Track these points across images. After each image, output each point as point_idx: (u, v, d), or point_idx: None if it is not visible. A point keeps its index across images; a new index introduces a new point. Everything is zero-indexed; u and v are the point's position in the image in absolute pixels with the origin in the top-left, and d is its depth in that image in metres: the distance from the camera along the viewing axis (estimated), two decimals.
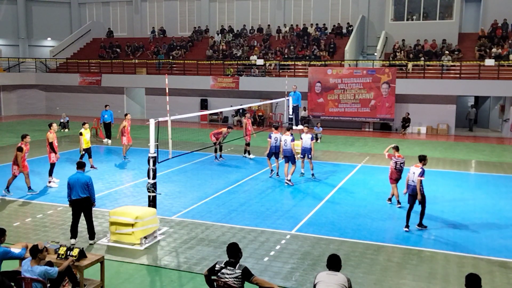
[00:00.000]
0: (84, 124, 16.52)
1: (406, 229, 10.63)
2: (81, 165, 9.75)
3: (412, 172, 10.60)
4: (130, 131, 18.41)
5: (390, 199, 12.80)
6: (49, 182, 14.42)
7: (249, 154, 18.91)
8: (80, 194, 9.44)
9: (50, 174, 14.47)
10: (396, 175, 12.34)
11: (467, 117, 28.07)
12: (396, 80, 26.27)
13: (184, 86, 30.46)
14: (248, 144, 18.90)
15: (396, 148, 12.44)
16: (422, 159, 10.75)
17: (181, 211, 11.97)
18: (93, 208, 9.85)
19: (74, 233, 9.72)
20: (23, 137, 13.51)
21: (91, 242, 9.76)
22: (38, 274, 6.47)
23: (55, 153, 14.34)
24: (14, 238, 9.89)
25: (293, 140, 14.57)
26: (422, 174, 10.38)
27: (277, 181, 15.23)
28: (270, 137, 15.47)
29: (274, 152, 15.51)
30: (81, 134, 16.08)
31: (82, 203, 9.52)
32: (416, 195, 10.44)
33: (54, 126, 14.72)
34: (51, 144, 14.25)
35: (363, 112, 27.15)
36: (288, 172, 14.66)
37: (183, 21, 38.10)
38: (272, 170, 15.79)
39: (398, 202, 12.44)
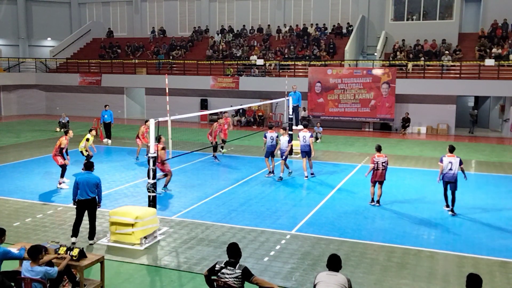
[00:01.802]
0: (91, 130, 16.82)
1: (447, 208, 12.02)
2: (89, 166, 9.69)
3: (449, 161, 11.77)
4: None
5: (378, 201, 12.50)
6: (60, 183, 14.20)
7: (222, 148, 19.20)
8: (90, 194, 9.41)
9: (62, 175, 14.25)
10: (380, 176, 12.20)
11: (471, 119, 27.55)
12: (396, 80, 26.28)
13: (184, 86, 30.45)
14: (222, 142, 19.01)
15: (378, 148, 12.47)
16: (454, 149, 12.07)
17: (181, 211, 11.97)
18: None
19: (75, 232, 9.70)
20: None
21: (91, 242, 9.73)
22: (38, 274, 6.47)
23: (64, 159, 14.22)
24: (14, 238, 9.89)
25: (311, 136, 15.30)
26: (462, 162, 11.87)
27: (276, 181, 15.23)
28: (265, 137, 15.68)
29: (272, 151, 15.71)
30: (87, 140, 16.36)
31: (89, 203, 9.47)
32: (455, 182, 11.77)
33: (71, 133, 14.75)
34: (61, 149, 14.11)
35: (363, 112, 27.16)
36: (308, 167, 15.50)
37: (183, 21, 38.10)
38: (270, 172, 15.84)
39: (378, 202, 12.51)
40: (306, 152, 15.35)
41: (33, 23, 40.33)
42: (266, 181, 15.18)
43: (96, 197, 9.58)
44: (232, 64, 31.16)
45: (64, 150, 14.30)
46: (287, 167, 15.90)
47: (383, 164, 12.18)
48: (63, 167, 14.17)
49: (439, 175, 12.00)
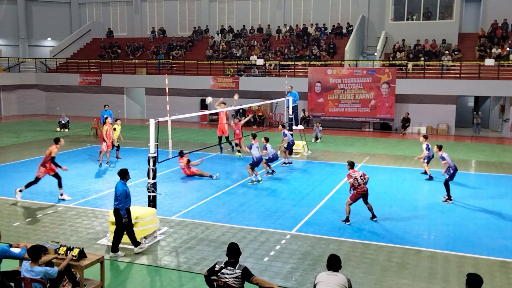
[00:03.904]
0: (116, 120, 18.58)
1: (451, 201, 12.89)
2: (120, 174, 9.29)
3: (447, 155, 13.32)
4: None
5: (374, 215, 11.38)
6: (61, 194, 13.04)
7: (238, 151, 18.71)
8: (114, 204, 9.10)
9: (28, 185, 12.95)
10: (363, 189, 11.09)
11: (475, 121, 27.05)
12: (396, 80, 26.28)
13: (184, 86, 30.45)
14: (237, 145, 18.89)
15: (351, 164, 11.55)
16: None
17: (181, 211, 11.96)
18: (93, 208, 9.73)
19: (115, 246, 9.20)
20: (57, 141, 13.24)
21: (111, 254, 9.14)
22: (38, 274, 6.46)
23: (50, 169, 12.91)
24: (14, 238, 9.89)
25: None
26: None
27: (277, 181, 15.24)
28: (285, 135, 17.03)
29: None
30: (114, 129, 17.68)
31: (116, 213, 9.08)
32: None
33: (62, 141, 13.57)
34: (53, 158, 12.85)
35: (363, 112, 27.15)
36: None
37: (183, 21, 38.10)
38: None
39: (374, 216, 11.34)
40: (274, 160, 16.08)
41: (33, 23, 40.32)
42: (266, 181, 15.18)
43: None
44: (232, 64, 31.15)
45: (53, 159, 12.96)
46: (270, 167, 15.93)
47: (361, 178, 11.11)
48: (37, 180, 12.84)
49: (445, 171, 13.28)
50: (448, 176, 13.06)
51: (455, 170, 13.19)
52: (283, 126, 18.02)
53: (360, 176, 11.16)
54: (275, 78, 28.97)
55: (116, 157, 18.39)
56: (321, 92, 27.78)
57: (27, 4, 39.82)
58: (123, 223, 9.07)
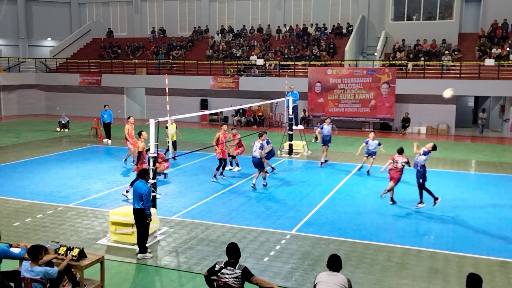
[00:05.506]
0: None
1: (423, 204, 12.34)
2: (142, 174, 9.16)
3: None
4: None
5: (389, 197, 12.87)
6: (127, 191, 12.99)
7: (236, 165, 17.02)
8: (135, 205, 8.93)
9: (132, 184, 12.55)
10: (399, 175, 12.60)
11: (480, 122, 26.91)
12: (396, 80, 26.28)
13: (184, 86, 30.45)
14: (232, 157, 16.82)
15: (399, 151, 12.75)
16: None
17: (181, 211, 11.96)
18: (93, 208, 9.75)
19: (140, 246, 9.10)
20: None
21: (138, 256, 9.07)
22: (38, 274, 6.46)
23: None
24: (14, 238, 9.89)
25: (261, 148, 14.05)
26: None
27: (277, 181, 15.24)
28: (322, 128, 17.61)
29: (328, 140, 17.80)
30: (166, 127, 16.80)
31: (136, 213, 8.97)
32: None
33: (144, 134, 13.05)
34: (140, 153, 12.60)
35: (363, 112, 27.15)
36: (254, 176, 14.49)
37: (183, 21, 38.10)
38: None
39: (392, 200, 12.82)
40: (257, 164, 14.12)
41: (33, 23, 40.31)
42: (266, 181, 15.15)
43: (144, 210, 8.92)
44: (232, 64, 31.16)
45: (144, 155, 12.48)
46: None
47: (402, 163, 12.53)
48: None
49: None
50: (421, 180, 12.18)
51: (422, 168, 12.17)
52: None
53: (402, 162, 12.49)
54: (275, 78, 28.97)
55: (173, 158, 17.22)
56: (321, 92, 27.78)
57: (27, 4, 39.81)
58: (147, 223, 9.01)
